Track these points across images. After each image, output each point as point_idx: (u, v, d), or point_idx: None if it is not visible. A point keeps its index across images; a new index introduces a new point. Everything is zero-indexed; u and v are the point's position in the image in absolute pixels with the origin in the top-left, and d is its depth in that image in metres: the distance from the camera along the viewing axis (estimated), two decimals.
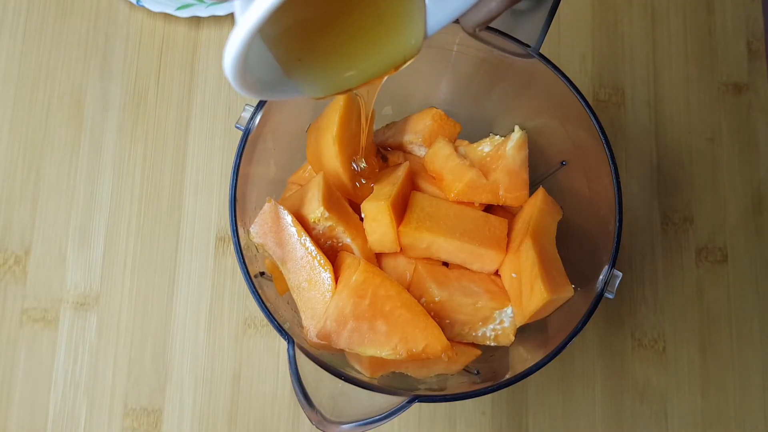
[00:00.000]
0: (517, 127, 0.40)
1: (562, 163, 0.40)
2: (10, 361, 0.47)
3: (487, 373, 0.38)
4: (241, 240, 0.35)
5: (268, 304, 0.34)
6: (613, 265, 0.33)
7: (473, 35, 0.36)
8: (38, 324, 0.48)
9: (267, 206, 0.36)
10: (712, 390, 0.48)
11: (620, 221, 0.33)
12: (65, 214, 0.49)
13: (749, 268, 0.50)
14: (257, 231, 0.36)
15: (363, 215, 0.38)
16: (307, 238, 0.35)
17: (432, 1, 0.29)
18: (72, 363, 0.47)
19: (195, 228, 0.49)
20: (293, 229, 0.36)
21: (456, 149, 0.42)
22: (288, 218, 0.36)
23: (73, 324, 0.48)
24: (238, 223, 0.35)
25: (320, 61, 0.28)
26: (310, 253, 0.35)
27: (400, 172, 0.40)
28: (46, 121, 0.51)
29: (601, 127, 0.35)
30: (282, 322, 0.33)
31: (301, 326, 0.37)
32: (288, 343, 0.32)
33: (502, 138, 0.42)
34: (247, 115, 0.36)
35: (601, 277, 0.33)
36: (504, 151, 0.40)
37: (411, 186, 0.41)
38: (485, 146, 0.42)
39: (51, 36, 0.52)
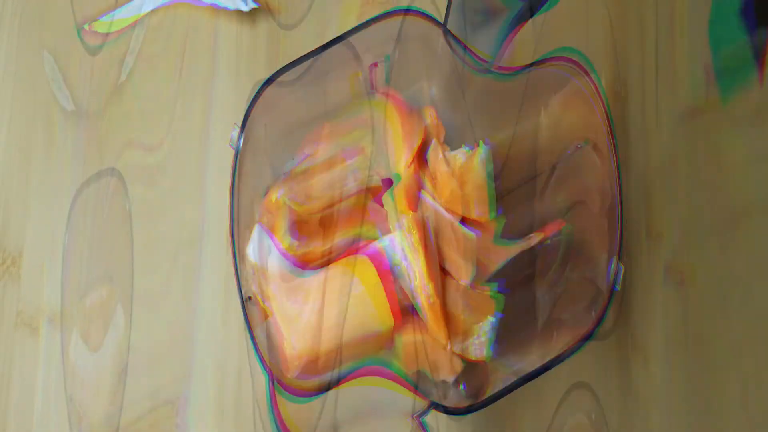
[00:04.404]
0: (481, 142, 0.40)
1: (558, 163, 0.41)
2: (9, 360, 0.46)
3: (473, 389, 0.38)
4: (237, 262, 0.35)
5: (255, 331, 0.34)
6: (619, 257, 0.33)
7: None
8: (36, 324, 0.47)
9: (257, 228, 0.36)
10: (697, 404, 0.48)
11: (621, 213, 0.34)
12: (64, 214, 0.48)
13: (716, 285, 0.49)
14: (251, 252, 0.36)
15: None
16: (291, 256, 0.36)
17: None
18: (71, 363, 0.46)
19: (192, 236, 0.48)
20: (278, 246, 0.36)
21: (443, 154, 0.41)
22: (271, 235, 0.36)
23: (71, 324, 0.47)
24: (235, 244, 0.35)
25: None
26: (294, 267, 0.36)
27: None
28: (45, 120, 0.50)
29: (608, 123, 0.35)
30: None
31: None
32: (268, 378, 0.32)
33: (472, 150, 0.41)
34: (235, 134, 0.35)
35: (609, 269, 0.34)
36: (473, 165, 0.40)
37: None
38: (462, 155, 0.41)
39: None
